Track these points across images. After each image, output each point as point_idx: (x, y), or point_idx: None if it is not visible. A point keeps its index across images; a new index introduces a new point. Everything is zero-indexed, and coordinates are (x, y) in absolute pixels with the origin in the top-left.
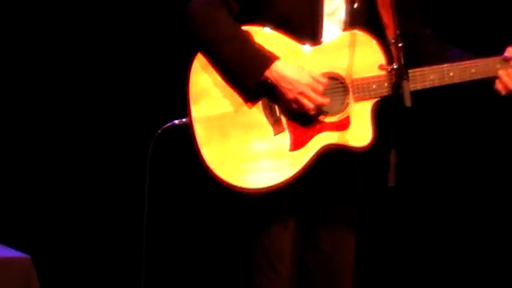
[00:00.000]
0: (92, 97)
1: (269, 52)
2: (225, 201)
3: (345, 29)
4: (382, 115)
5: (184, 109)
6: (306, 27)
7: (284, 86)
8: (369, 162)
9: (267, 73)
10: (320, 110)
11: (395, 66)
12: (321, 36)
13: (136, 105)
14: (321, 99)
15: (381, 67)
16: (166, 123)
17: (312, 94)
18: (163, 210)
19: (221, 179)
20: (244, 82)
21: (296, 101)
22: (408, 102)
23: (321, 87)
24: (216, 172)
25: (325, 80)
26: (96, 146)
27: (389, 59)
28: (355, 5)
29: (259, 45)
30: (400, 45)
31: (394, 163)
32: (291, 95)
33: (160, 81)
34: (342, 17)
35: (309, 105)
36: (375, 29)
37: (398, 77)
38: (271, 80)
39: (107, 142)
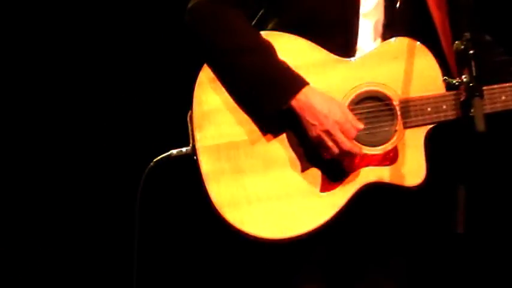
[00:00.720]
0: (74, 117)
1: (297, 74)
2: (236, 250)
3: (384, 33)
4: (441, 140)
5: (184, 136)
6: (337, 26)
7: (308, 119)
8: (422, 203)
9: (293, 102)
10: (360, 140)
11: (464, 80)
12: (356, 41)
13: (125, 131)
14: (349, 145)
15: (445, 81)
16: (162, 154)
17: (340, 136)
18: (156, 259)
19: (232, 225)
20: (264, 108)
21: (319, 140)
22: (481, 126)
23: (353, 130)
24: (227, 216)
25: (361, 126)
26: (74, 185)
27: (445, 74)
28: (397, 4)
29: (284, 62)
30: (471, 52)
31: (464, 203)
32: (314, 132)
33: (156, 100)
34: (380, 18)
35: (333, 149)
36: (422, 33)
37: (468, 94)
38: (295, 109)
39: (88, 180)
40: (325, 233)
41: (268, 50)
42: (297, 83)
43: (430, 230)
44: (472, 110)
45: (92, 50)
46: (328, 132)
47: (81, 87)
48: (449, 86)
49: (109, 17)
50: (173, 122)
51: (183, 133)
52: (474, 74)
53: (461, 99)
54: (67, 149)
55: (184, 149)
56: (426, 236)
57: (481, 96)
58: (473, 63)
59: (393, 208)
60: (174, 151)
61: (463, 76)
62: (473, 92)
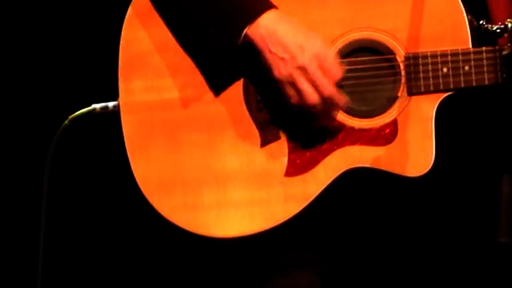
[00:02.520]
0: None
1: None
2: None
3: None
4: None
5: (112, 86)
6: None
7: (276, 52)
8: (443, 200)
9: (250, 29)
10: (342, 107)
11: (510, 25)
12: None
13: (34, 80)
14: (330, 89)
15: (478, 27)
16: (81, 108)
17: (319, 75)
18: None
19: (161, 214)
20: (210, 44)
21: (291, 81)
22: None
23: (336, 71)
24: (153, 201)
25: (342, 67)
26: None
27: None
28: None
29: None
30: None
31: (508, 198)
32: (283, 70)
33: (73, 41)
34: None
35: (309, 93)
36: None
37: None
38: (255, 42)
39: None
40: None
41: None
42: (258, 4)
43: (458, 240)
44: None
45: None
46: (303, 69)
47: None
48: (484, 35)
49: None
50: (100, 68)
51: (113, 83)
52: None
53: (503, 54)
54: None
55: (111, 104)
56: (452, 248)
57: None
58: None
59: (390, 201)
60: (98, 106)
61: (508, 20)
62: None
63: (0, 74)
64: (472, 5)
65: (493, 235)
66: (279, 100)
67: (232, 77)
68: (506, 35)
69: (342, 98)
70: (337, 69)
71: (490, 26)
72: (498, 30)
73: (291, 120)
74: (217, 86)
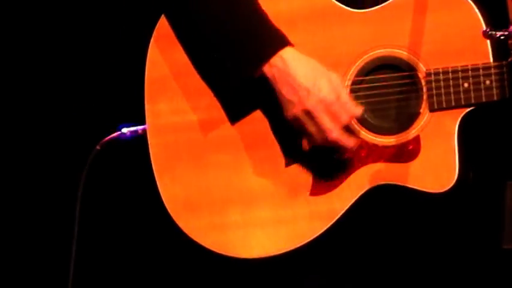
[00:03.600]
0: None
1: (276, 30)
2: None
3: None
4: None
5: (139, 109)
6: None
7: (285, 94)
8: (456, 210)
9: (266, 67)
10: (368, 125)
11: None
12: None
13: (67, 102)
14: (336, 134)
15: (485, 33)
16: (111, 134)
17: (325, 119)
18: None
19: (188, 236)
20: (228, 76)
21: (296, 124)
22: None
23: (344, 115)
24: (180, 223)
25: (358, 111)
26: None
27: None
28: None
29: (263, 13)
30: None
31: None
32: (290, 112)
33: (105, 64)
34: None
35: (315, 136)
36: None
37: None
38: (269, 79)
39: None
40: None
41: None
42: (274, 41)
43: (467, 246)
44: None
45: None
46: (308, 114)
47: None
48: (496, 46)
49: None
50: (129, 92)
51: (140, 106)
52: None
53: (509, 61)
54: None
55: (140, 128)
56: (461, 255)
57: None
58: None
59: (415, 217)
60: (127, 129)
61: None
62: None
63: (32, 101)
64: (492, 13)
65: (497, 242)
66: (287, 131)
67: (248, 107)
68: (510, 41)
69: (349, 142)
70: (348, 112)
71: (494, 32)
72: (502, 37)
73: (300, 151)
74: (235, 115)
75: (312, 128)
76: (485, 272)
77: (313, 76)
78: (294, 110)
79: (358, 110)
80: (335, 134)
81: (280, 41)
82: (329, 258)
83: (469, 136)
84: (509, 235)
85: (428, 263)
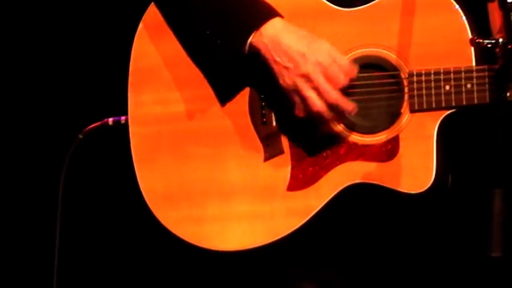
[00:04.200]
0: None
1: (264, 3)
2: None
3: None
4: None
5: (123, 100)
6: None
7: (279, 61)
8: (439, 215)
9: (255, 38)
10: (345, 122)
11: (500, 40)
12: None
13: (48, 95)
14: (335, 95)
15: (472, 41)
16: (94, 122)
17: (323, 81)
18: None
19: (165, 227)
20: (219, 54)
21: (295, 90)
22: None
23: (342, 76)
24: (158, 214)
25: (355, 69)
26: None
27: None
28: None
29: None
30: (509, 0)
31: (500, 213)
32: (287, 78)
33: (90, 54)
34: None
35: (313, 100)
36: None
37: (505, 60)
38: (260, 51)
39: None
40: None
41: None
42: (263, 13)
43: (452, 254)
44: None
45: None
46: (307, 77)
47: None
48: (480, 51)
49: None
50: (114, 82)
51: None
52: None
53: (496, 68)
54: None
55: (123, 118)
56: (447, 263)
57: None
58: None
59: (394, 218)
60: (111, 120)
61: (500, 35)
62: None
63: (14, 90)
64: (476, 19)
65: (485, 250)
66: (286, 108)
67: (239, 87)
68: (497, 49)
69: (348, 104)
70: (344, 74)
71: (481, 40)
72: (489, 45)
73: (298, 127)
74: (224, 96)
75: (309, 93)
76: (473, 280)
77: (306, 40)
78: (291, 76)
79: (354, 72)
80: (334, 95)
81: (270, 12)
82: (308, 251)
83: (450, 139)
84: (497, 243)
85: (406, 264)
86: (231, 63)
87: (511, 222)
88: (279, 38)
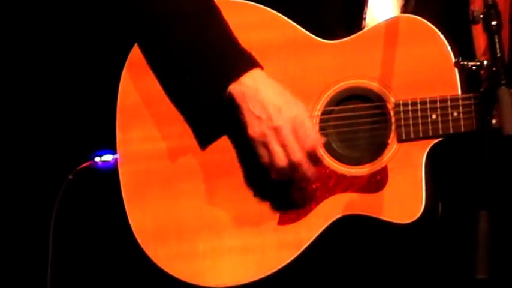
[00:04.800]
0: None
1: (245, 52)
2: None
3: (406, 6)
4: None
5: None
6: None
7: (253, 110)
8: (427, 239)
9: (234, 86)
10: (333, 154)
11: (485, 62)
12: (363, 12)
13: (39, 130)
14: (299, 155)
15: (456, 64)
16: (83, 162)
17: (291, 140)
18: None
19: (157, 265)
20: (198, 98)
21: (263, 141)
22: (510, 128)
23: (309, 139)
24: (149, 252)
25: (321, 141)
26: None
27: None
28: None
29: (233, 36)
30: (494, 23)
31: (485, 235)
32: (257, 128)
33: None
34: None
35: (281, 157)
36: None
37: (491, 83)
38: (236, 99)
39: None
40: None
41: (213, 17)
42: (244, 62)
43: (436, 276)
44: (493, 109)
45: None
46: (277, 131)
47: None
48: (465, 77)
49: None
50: (103, 120)
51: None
52: (498, 54)
53: (480, 91)
54: None
55: (111, 157)
56: (430, 285)
57: (509, 85)
58: (496, 39)
59: (385, 248)
60: (98, 158)
61: (484, 57)
62: (497, 79)
63: (3, 129)
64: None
65: (471, 272)
66: (254, 159)
67: (217, 132)
68: (482, 72)
69: (310, 169)
70: (312, 140)
71: (466, 63)
72: (474, 68)
73: (266, 180)
74: (204, 140)
75: (276, 148)
76: None
77: (284, 97)
78: (261, 126)
79: (320, 142)
80: (298, 156)
81: (250, 62)
82: (301, 284)
83: (438, 167)
84: (483, 265)
85: None
86: (208, 109)
87: (497, 245)
88: (257, 89)
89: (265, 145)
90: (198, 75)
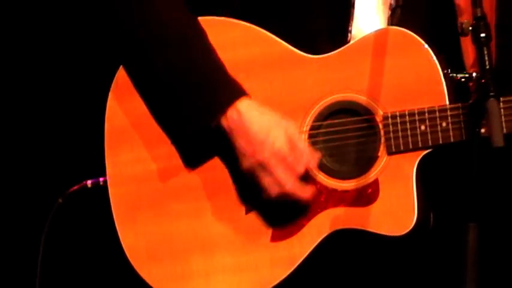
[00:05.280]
0: None
1: (230, 80)
2: None
3: (392, 19)
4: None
5: (100, 161)
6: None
7: (240, 146)
8: (419, 252)
9: (223, 119)
10: (327, 170)
11: (474, 74)
12: (349, 24)
13: (28, 152)
14: (291, 185)
15: (445, 75)
16: (74, 185)
17: (279, 172)
18: None
19: (151, 286)
20: (183, 127)
21: (252, 175)
22: (499, 140)
23: (299, 166)
24: (141, 272)
25: (314, 161)
26: None
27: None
28: None
29: (219, 63)
30: (482, 35)
31: (474, 248)
32: (245, 163)
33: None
34: None
35: (270, 188)
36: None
37: (479, 95)
38: (226, 131)
39: None
40: None
41: (199, 44)
42: (229, 93)
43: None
44: (482, 122)
45: None
46: (263, 165)
47: None
48: (453, 87)
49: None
50: (92, 143)
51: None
52: (487, 66)
53: (470, 103)
54: None
55: (102, 179)
56: None
57: (498, 97)
58: (485, 51)
59: (378, 261)
60: (90, 182)
61: (473, 69)
62: (486, 91)
63: None
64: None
65: (459, 285)
66: (244, 177)
67: (205, 155)
68: (471, 84)
69: (304, 193)
70: (305, 160)
71: (454, 74)
72: (463, 80)
73: (257, 198)
74: (191, 163)
75: (266, 180)
76: None
77: (267, 128)
78: (248, 162)
79: (315, 159)
80: (289, 186)
81: (235, 92)
82: None
83: (429, 178)
84: (471, 277)
85: None
86: (196, 138)
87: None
88: (242, 122)
89: (256, 179)
90: (184, 104)
